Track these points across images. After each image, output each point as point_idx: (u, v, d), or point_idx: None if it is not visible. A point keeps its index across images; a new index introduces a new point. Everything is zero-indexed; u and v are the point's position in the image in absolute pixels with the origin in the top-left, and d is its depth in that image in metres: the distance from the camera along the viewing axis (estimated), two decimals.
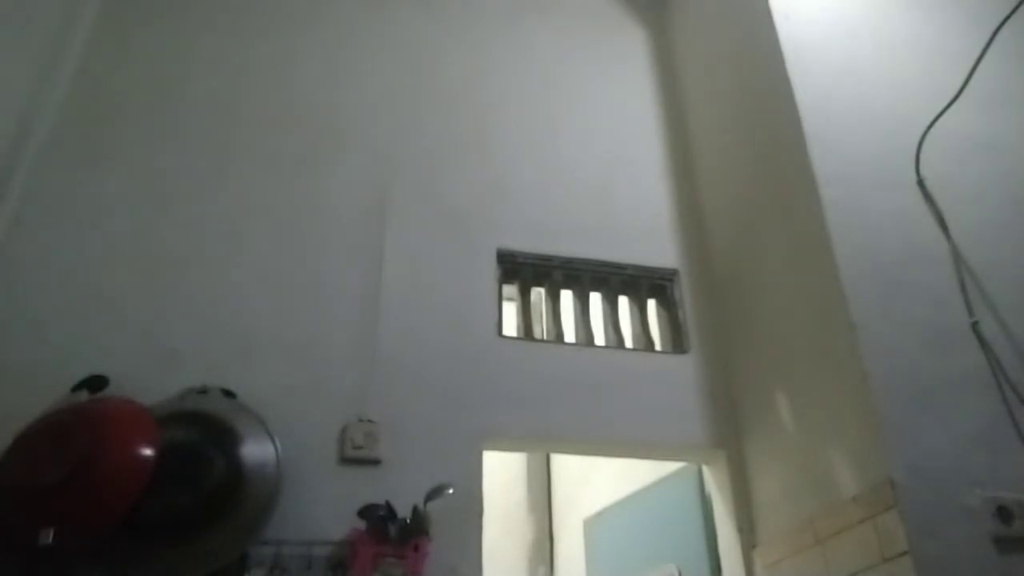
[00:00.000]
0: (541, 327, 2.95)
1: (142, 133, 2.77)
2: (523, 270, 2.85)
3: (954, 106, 2.31)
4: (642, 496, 3.02)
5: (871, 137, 2.39)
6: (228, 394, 2.27)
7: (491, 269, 2.76)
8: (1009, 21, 2.16)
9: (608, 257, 2.90)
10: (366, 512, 2.13)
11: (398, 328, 2.53)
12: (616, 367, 2.66)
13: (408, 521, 2.13)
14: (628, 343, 2.81)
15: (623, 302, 2.94)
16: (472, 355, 2.54)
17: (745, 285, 2.69)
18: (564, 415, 2.51)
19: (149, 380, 2.24)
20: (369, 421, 2.34)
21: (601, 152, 3.17)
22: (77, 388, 2.18)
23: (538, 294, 2.96)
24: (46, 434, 2.01)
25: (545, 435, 2.52)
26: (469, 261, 2.74)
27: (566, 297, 2.90)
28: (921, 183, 2.33)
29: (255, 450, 2.14)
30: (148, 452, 1.99)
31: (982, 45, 2.24)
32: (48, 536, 1.82)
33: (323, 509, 2.17)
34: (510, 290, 2.85)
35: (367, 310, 2.55)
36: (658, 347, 2.83)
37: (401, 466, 2.28)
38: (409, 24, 3.31)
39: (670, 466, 2.86)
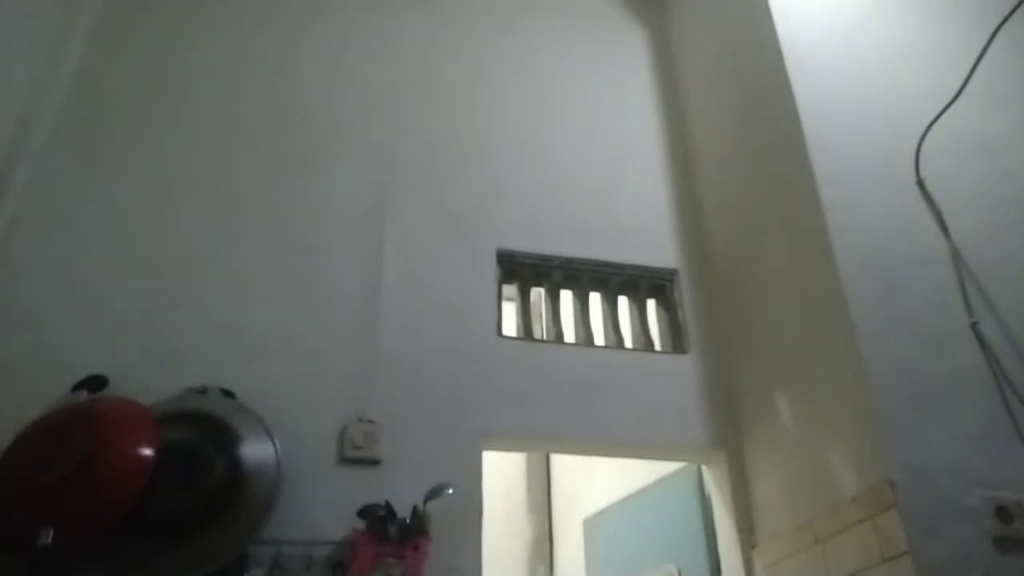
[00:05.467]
0: (541, 327, 2.95)
1: (142, 133, 2.77)
2: (523, 270, 2.85)
3: (954, 106, 2.30)
4: (642, 496, 3.02)
5: (871, 137, 2.38)
6: (228, 394, 2.27)
7: (491, 269, 2.75)
8: (1009, 21, 2.15)
9: (608, 257, 2.90)
10: (366, 512, 2.13)
11: (398, 328, 2.53)
12: (616, 367, 2.66)
13: (408, 521, 2.13)
14: (628, 343, 2.81)
15: (623, 302, 2.94)
16: (472, 355, 2.54)
17: (745, 285, 2.69)
18: (564, 415, 2.50)
19: (149, 380, 2.24)
20: (369, 421, 2.34)
21: (601, 152, 3.16)
22: (77, 388, 2.18)
23: (538, 294, 2.96)
24: (46, 434, 2.01)
25: (545, 435, 2.53)
26: (469, 261, 2.74)
27: (566, 297, 2.90)
28: (921, 183, 2.32)
29: (255, 450, 2.14)
30: (148, 452, 1.99)
31: (982, 45, 2.23)
32: (48, 536, 1.82)
33: (323, 509, 2.17)
34: (510, 290, 2.84)
35: (367, 310, 2.55)
36: (658, 347, 2.83)
37: (401, 466, 2.28)
38: (409, 24, 3.31)
39: (670, 466, 2.86)
